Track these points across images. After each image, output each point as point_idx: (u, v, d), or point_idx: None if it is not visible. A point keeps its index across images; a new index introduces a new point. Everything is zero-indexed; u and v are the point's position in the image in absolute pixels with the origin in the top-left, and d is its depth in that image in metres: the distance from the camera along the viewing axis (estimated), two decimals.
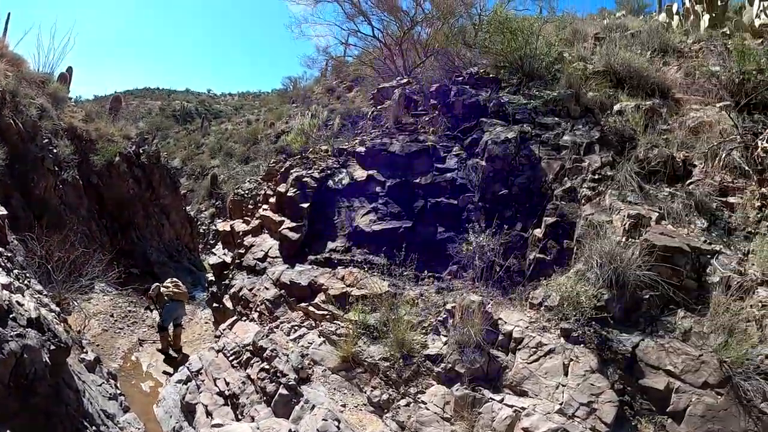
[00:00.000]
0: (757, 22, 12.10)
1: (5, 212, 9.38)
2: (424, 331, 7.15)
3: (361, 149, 10.03)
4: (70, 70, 21.47)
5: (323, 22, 14.78)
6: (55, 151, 15.90)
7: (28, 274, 8.55)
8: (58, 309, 8.41)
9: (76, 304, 11.34)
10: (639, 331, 6.00)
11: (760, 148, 7.60)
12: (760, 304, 5.98)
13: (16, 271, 7.95)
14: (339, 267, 8.61)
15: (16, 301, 5.60)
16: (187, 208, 25.69)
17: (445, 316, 7.02)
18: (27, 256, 9.75)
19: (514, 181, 8.14)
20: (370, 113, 12.11)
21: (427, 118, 9.98)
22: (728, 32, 11.84)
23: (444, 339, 6.83)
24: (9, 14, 20.12)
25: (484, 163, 8.39)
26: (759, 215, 7.22)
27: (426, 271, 8.03)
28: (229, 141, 41.45)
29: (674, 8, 14.18)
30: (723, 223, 7.12)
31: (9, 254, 8.39)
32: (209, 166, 38.12)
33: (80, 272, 11.09)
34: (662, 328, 5.93)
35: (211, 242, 20.82)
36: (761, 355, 5.46)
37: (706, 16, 12.56)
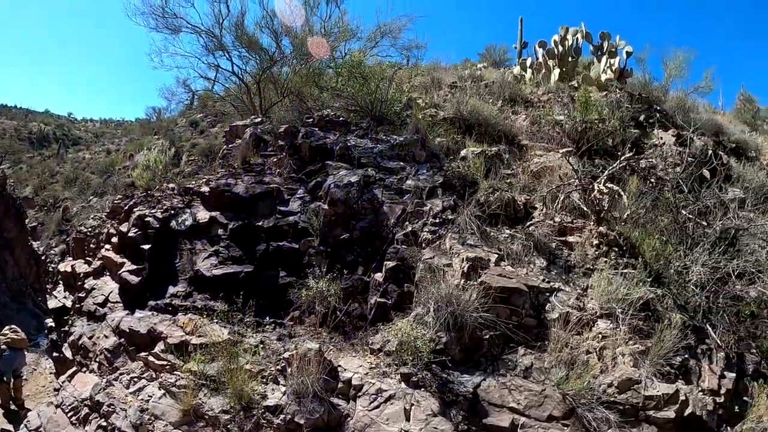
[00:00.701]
0: (603, 77, 12.98)
1: None
2: (263, 380, 6.82)
3: (206, 189, 9.73)
4: None
5: (184, 53, 14.42)
6: None
7: None
8: None
9: None
10: (480, 371, 6.11)
11: (596, 191, 8.19)
12: (599, 336, 6.38)
13: None
14: (179, 313, 8.19)
15: None
16: (35, 243, 23.91)
17: (284, 364, 6.80)
18: None
19: (356, 225, 8.24)
20: (220, 151, 11.73)
21: (274, 160, 9.90)
22: (576, 85, 12.48)
23: (283, 389, 6.57)
24: None
25: (326, 206, 8.44)
26: (597, 252, 7.76)
27: (268, 318, 7.84)
28: (86, 171, 39.20)
29: (528, 62, 14.88)
30: (562, 261, 7.56)
31: None
32: (63, 197, 35.51)
33: None
34: (504, 366, 6.09)
35: (56, 282, 19.30)
36: (603, 384, 5.81)
37: (557, 70, 13.39)
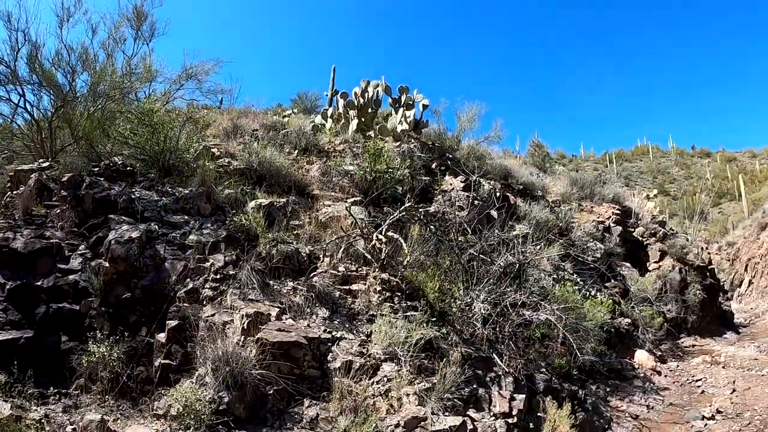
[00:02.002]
0: (399, 128, 13.56)
1: None
2: None
3: None
4: None
5: None
6: None
7: None
8: None
9: None
10: (267, 427, 6.10)
11: (375, 239, 8.71)
12: (384, 379, 6.66)
13: None
14: None
15: None
16: None
17: None
18: None
19: (138, 283, 7.86)
20: (4, 198, 10.82)
21: (57, 211, 9.20)
22: (373, 135, 12.91)
23: None
24: None
25: (107, 264, 7.97)
26: (380, 298, 8.11)
27: (52, 387, 7.15)
28: None
29: (329, 112, 15.27)
30: (345, 310, 7.82)
31: None
32: None
33: None
34: (290, 420, 6.13)
35: None
36: (390, 426, 6.04)
37: (355, 121, 13.81)
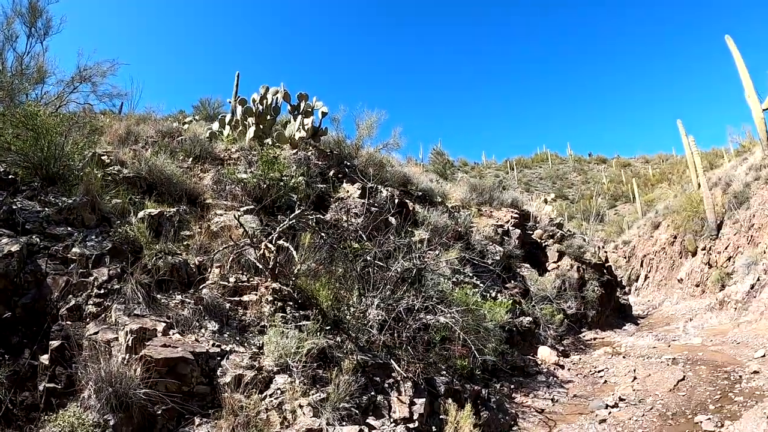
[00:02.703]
0: (297, 135, 13.62)
1: None
2: None
3: None
4: None
5: None
6: None
7: None
8: None
9: None
10: None
11: (264, 248, 8.66)
12: (278, 392, 6.61)
13: None
14: None
15: None
16: None
17: None
18: None
19: (18, 301, 7.44)
20: None
21: None
22: (271, 143, 12.89)
23: None
24: None
25: None
26: (273, 308, 8.09)
27: None
28: None
29: (227, 118, 15.14)
30: (236, 322, 7.74)
31: None
32: None
33: None
34: None
35: None
36: None
37: (253, 128, 13.73)
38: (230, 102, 19.41)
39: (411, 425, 7.08)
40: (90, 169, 9.27)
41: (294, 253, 8.55)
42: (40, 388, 6.73)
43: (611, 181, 67.47)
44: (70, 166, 9.46)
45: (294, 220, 9.30)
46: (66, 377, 6.78)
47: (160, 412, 6.15)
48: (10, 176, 9.26)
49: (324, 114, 14.74)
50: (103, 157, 10.42)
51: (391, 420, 7.01)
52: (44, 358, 6.95)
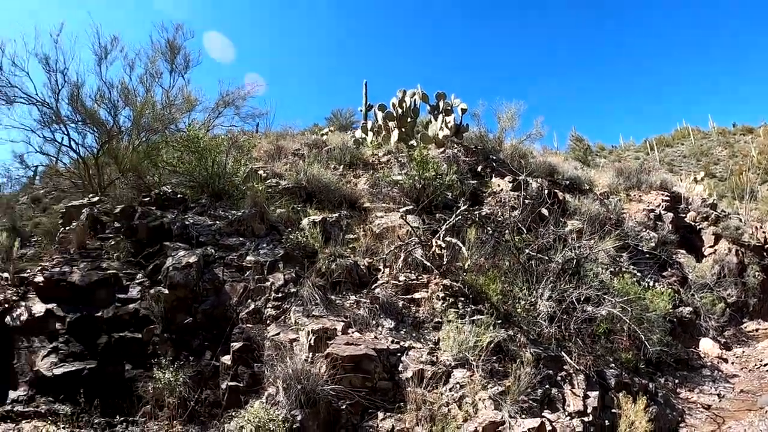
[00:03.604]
0: (440, 134, 13.44)
1: None
2: None
3: (40, 279, 8.91)
4: None
5: (18, 126, 13.55)
6: None
7: None
8: None
9: None
10: None
11: (435, 246, 8.48)
12: (458, 386, 6.48)
13: None
14: (23, 421, 7.31)
15: None
16: None
17: None
18: None
19: (199, 308, 7.83)
20: (57, 235, 10.97)
21: (112, 243, 9.24)
22: (415, 144, 12.82)
23: None
24: None
25: (166, 291, 7.95)
26: (444, 305, 7.90)
27: (118, 416, 7.17)
28: None
29: (369, 125, 15.21)
30: (410, 319, 7.64)
31: None
32: None
33: None
34: None
35: None
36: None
37: (396, 131, 13.71)
38: (361, 110, 19.66)
39: (586, 419, 6.67)
40: (252, 183, 9.62)
41: (464, 248, 8.36)
42: (223, 386, 6.97)
43: (761, 153, 61.96)
44: (233, 183, 9.89)
45: (460, 216, 9.16)
46: (248, 376, 6.96)
47: (344, 407, 6.17)
48: (178, 196, 9.80)
49: (464, 110, 14.47)
50: (259, 172, 10.78)
51: (566, 414, 6.67)
52: (226, 359, 7.19)
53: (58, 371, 7.71)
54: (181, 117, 14.76)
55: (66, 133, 14.53)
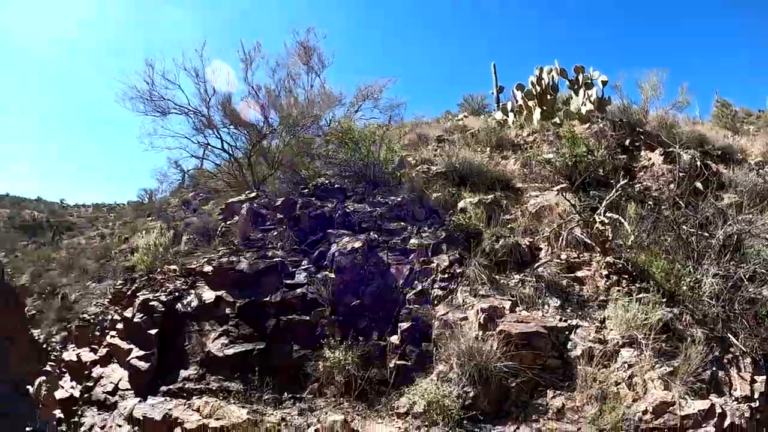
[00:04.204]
0: (583, 109, 13.14)
1: None
2: None
3: (209, 269, 9.59)
4: None
5: (173, 134, 14.72)
6: None
7: None
8: None
9: None
10: (512, 420, 6.00)
11: (598, 222, 8.25)
12: (626, 365, 6.36)
13: None
14: (194, 397, 7.90)
15: None
16: (35, 331, 23.61)
17: None
18: None
19: (365, 290, 8.14)
20: (219, 229, 11.71)
21: (275, 233, 9.80)
22: (559, 121, 12.62)
23: None
24: None
25: (333, 275, 8.34)
26: (608, 283, 7.76)
27: (286, 393, 7.55)
28: (82, 256, 38.77)
29: (509, 106, 15.07)
30: (575, 297, 7.52)
31: None
32: (60, 284, 34.84)
33: None
34: (535, 412, 5.99)
35: (56, 373, 19.00)
36: (638, 413, 5.79)
37: (538, 110, 13.52)
38: (492, 93, 19.45)
39: (752, 404, 6.30)
40: (407, 170, 9.88)
41: (626, 224, 8.17)
42: (390, 365, 7.18)
43: None
44: (386, 170, 10.20)
45: (619, 191, 8.95)
46: (416, 355, 7.15)
47: (514, 384, 6.17)
48: (336, 186, 10.23)
49: (604, 83, 13.85)
50: (408, 159, 10.99)
51: (732, 398, 6.36)
52: (393, 339, 7.41)
53: (228, 351, 8.21)
54: (324, 113, 15.33)
55: (219, 136, 15.62)
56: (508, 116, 14.92)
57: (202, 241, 11.49)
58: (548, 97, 14.11)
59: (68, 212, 59.73)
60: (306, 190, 10.55)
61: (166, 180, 20.51)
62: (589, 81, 14.05)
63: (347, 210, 9.40)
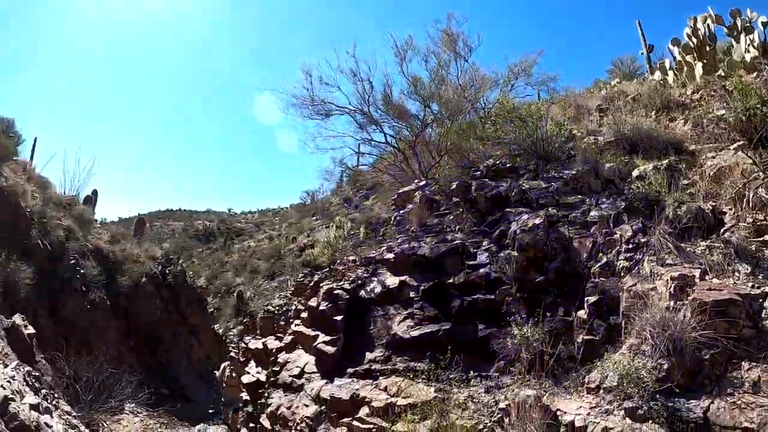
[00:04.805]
0: (747, 57, 12.48)
1: (32, 331, 9.88)
2: None
3: (390, 255, 10.32)
4: (95, 192, 23.71)
5: (337, 134, 15.76)
6: (82, 271, 17.09)
7: (56, 394, 8.96)
8: (87, 430, 8.59)
9: (105, 425, 11.75)
10: (706, 393, 5.84)
11: None
12: None
13: (44, 391, 8.28)
14: (381, 377, 8.58)
15: (45, 423, 5.87)
16: (215, 326, 26.03)
17: (500, 415, 6.82)
18: (55, 375, 10.12)
19: (549, 266, 8.35)
20: (392, 218, 12.42)
21: (451, 217, 10.36)
22: (723, 74, 12.14)
23: None
24: (36, 139, 22.39)
25: (515, 253, 8.63)
26: None
27: (472, 372, 7.93)
28: (253, 258, 41.81)
29: (667, 64, 14.57)
30: (765, 263, 7.10)
31: (37, 373, 8.80)
32: (234, 283, 38.39)
33: (110, 393, 11.73)
34: (729, 385, 5.78)
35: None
36: None
37: (699, 64, 12.98)
38: (642, 53, 18.60)
39: None
40: (578, 141, 10.00)
41: None
42: (578, 340, 7.28)
43: None
44: (554, 145, 10.39)
45: None
46: (604, 329, 7.19)
47: (707, 356, 5.97)
48: (507, 165, 10.54)
49: (764, 24, 13.04)
50: (573, 131, 11.08)
51: None
52: (581, 313, 7.50)
53: (414, 333, 8.82)
54: (481, 96, 15.65)
55: (381, 131, 16.51)
56: (667, 75, 14.29)
57: (369, 233, 12.27)
58: (707, 48, 13.40)
59: (236, 219, 64.63)
60: (478, 173, 10.91)
61: (332, 178, 21.89)
62: (749, 25, 13.20)
63: (523, 188, 9.65)
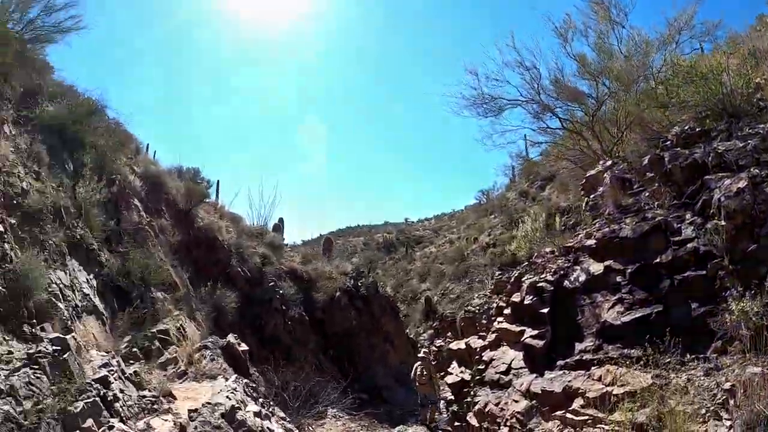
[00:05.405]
0: None
1: (245, 347, 11.05)
2: (701, 419, 6.47)
3: (591, 242, 10.02)
4: (281, 220, 26.15)
5: (512, 128, 15.82)
6: (280, 292, 19.50)
7: (271, 402, 9.88)
8: None
9: (311, 429, 13.00)
10: None
11: None
12: None
13: (261, 400, 9.36)
14: (593, 367, 8.40)
15: (267, 427, 6.67)
16: (406, 331, 27.24)
17: (724, 397, 6.43)
18: (266, 386, 11.22)
19: (760, 232, 7.62)
20: (585, 204, 12.24)
21: (647, 194, 9.93)
22: None
23: (728, 423, 6.17)
24: (218, 181, 25.37)
25: (723, 222, 7.94)
26: None
27: (688, 354, 7.51)
28: (435, 263, 42.65)
29: None
30: None
31: (253, 385, 9.86)
32: (420, 289, 39.90)
33: (315, 399, 13.18)
34: None
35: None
36: None
37: None
38: None
39: None
40: (765, 91, 9.25)
41: None
42: None
43: None
44: (743, 100, 9.59)
45: None
46: None
47: None
48: (696, 129, 9.87)
49: None
50: (758, 81, 10.26)
51: None
52: None
53: (625, 319, 8.55)
54: (650, 61, 14.95)
55: (556, 116, 16.37)
56: None
57: (553, 223, 12.18)
58: None
59: (414, 228, 66.28)
60: (668, 143, 10.29)
61: (511, 172, 22.01)
62: None
63: (718, 150, 8.89)
